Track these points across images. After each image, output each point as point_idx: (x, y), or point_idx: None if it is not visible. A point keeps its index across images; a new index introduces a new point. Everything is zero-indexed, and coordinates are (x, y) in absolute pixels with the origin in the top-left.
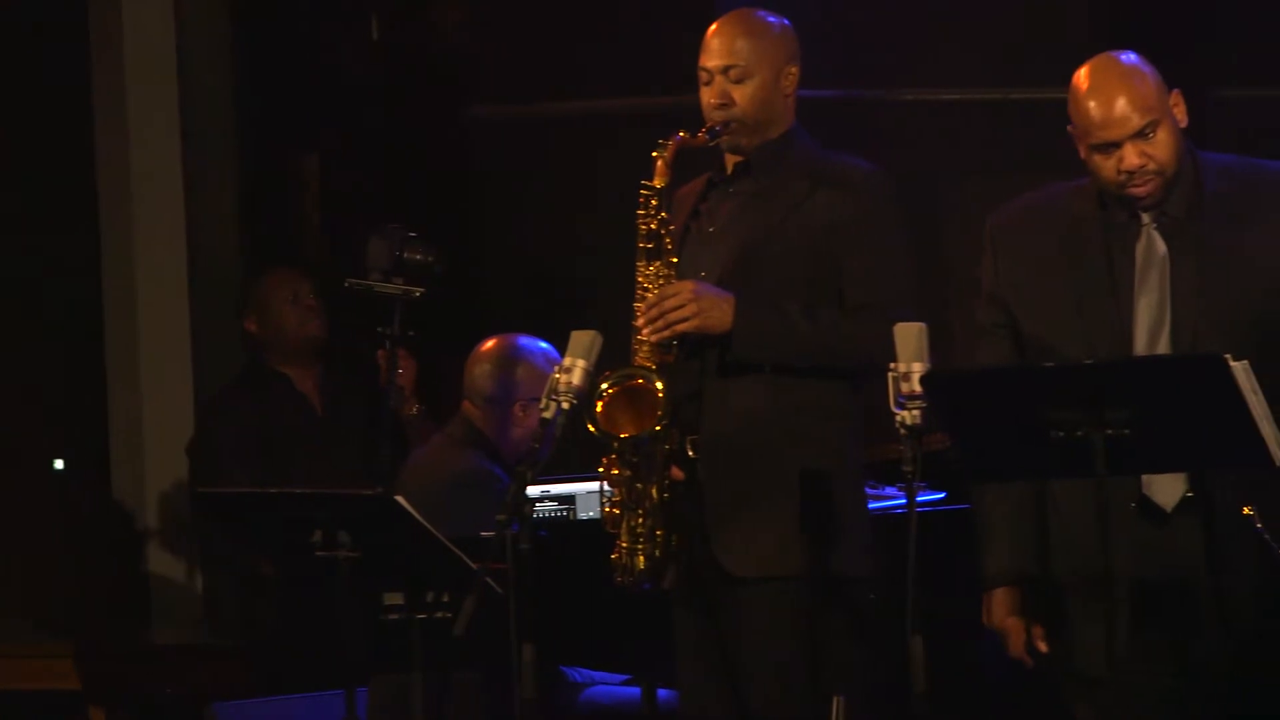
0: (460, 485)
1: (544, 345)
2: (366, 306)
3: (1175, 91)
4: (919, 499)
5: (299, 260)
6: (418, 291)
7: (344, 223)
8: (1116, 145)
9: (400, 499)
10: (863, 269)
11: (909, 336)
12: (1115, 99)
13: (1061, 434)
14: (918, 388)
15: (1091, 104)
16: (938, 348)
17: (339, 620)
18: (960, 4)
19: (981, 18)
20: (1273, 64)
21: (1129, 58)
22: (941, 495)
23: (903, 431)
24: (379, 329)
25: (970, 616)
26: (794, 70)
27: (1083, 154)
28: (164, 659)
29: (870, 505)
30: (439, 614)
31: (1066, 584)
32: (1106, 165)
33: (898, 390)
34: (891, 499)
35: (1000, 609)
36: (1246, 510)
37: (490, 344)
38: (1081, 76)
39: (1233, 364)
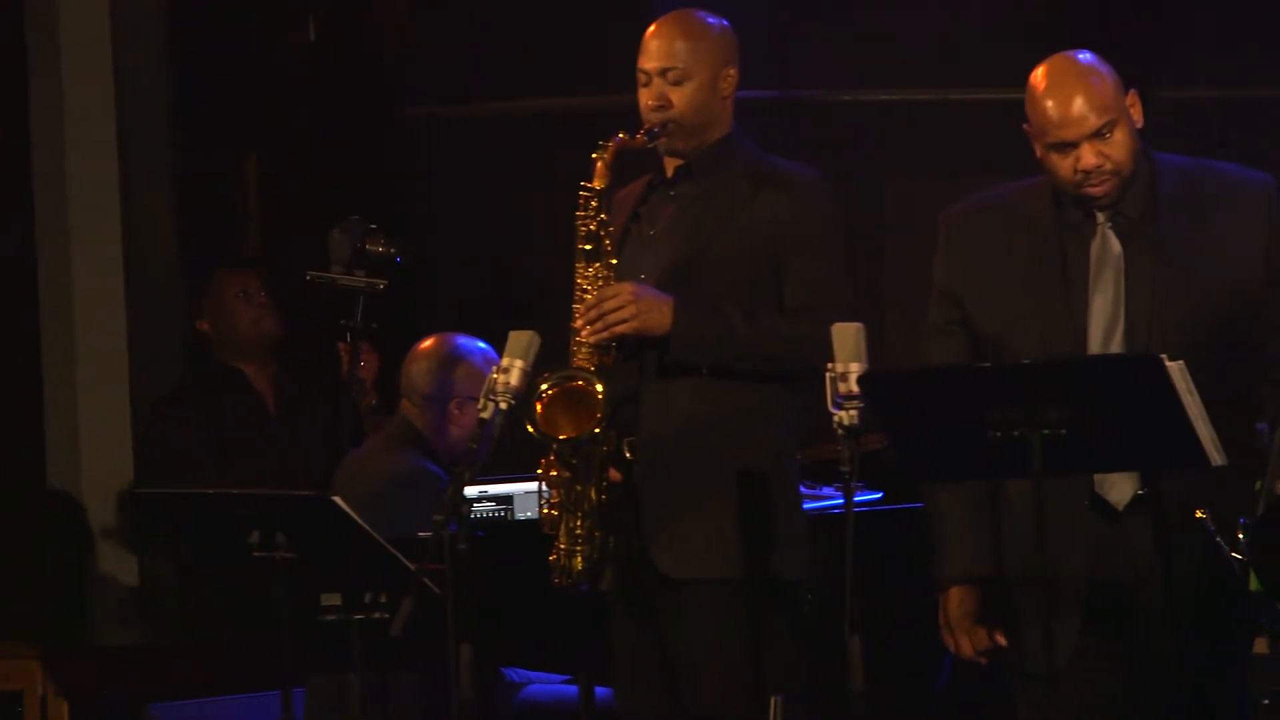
0: (399, 485)
1: (482, 345)
2: (312, 303)
3: (1132, 91)
4: (856, 499)
5: (237, 260)
6: (381, 284)
7: (282, 223)
8: (1073, 145)
9: (338, 500)
10: (803, 273)
11: (846, 337)
12: (1073, 98)
13: (999, 434)
14: (855, 388)
15: (1049, 103)
16: (875, 348)
17: (276, 621)
18: (904, 4)
19: (925, 18)
20: (1212, 66)
21: (1086, 57)
22: (879, 495)
23: (840, 431)
24: (341, 321)
25: (907, 616)
26: (732, 72)
27: (1039, 153)
28: (100, 659)
29: (807, 505)
30: (376, 615)
31: (1018, 583)
32: (1063, 165)
33: (835, 390)
34: (829, 499)
35: (956, 609)
36: (1200, 514)
37: (428, 343)
38: (1039, 76)
39: (1169, 364)
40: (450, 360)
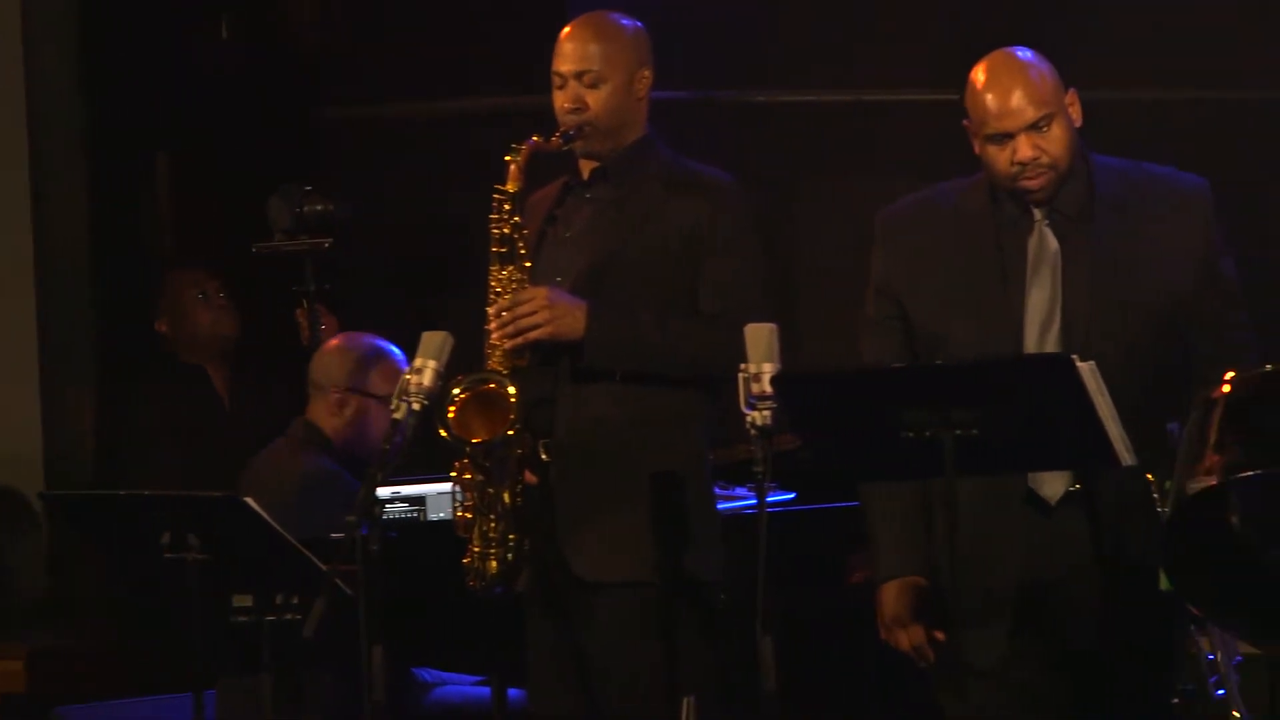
0: (306, 486)
1: (387, 345)
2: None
3: (1071, 91)
4: (770, 499)
5: (151, 258)
6: (326, 243)
7: (195, 222)
8: (1010, 136)
9: (249, 500)
10: (717, 278)
11: (760, 337)
12: (1012, 91)
13: (911, 435)
14: (768, 388)
15: (989, 96)
16: (788, 349)
17: (187, 623)
18: (815, 6)
19: (837, 19)
20: (1100, 68)
21: (1026, 53)
22: (792, 495)
23: (753, 432)
24: (294, 288)
25: (821, 617)
26: (647, 74)
27: (977, 148)
28: (9, 660)
29: (721, 506)
30: (289, 616)
31: (951, 579)
32: (1000, 157)
33: (748, 391)
34: (742, 499)
35: (894, 604)
36: (1150, 476)
37: (334, 341)
38: (979, 71)
39: (1080, 364)
40: (353, 359)
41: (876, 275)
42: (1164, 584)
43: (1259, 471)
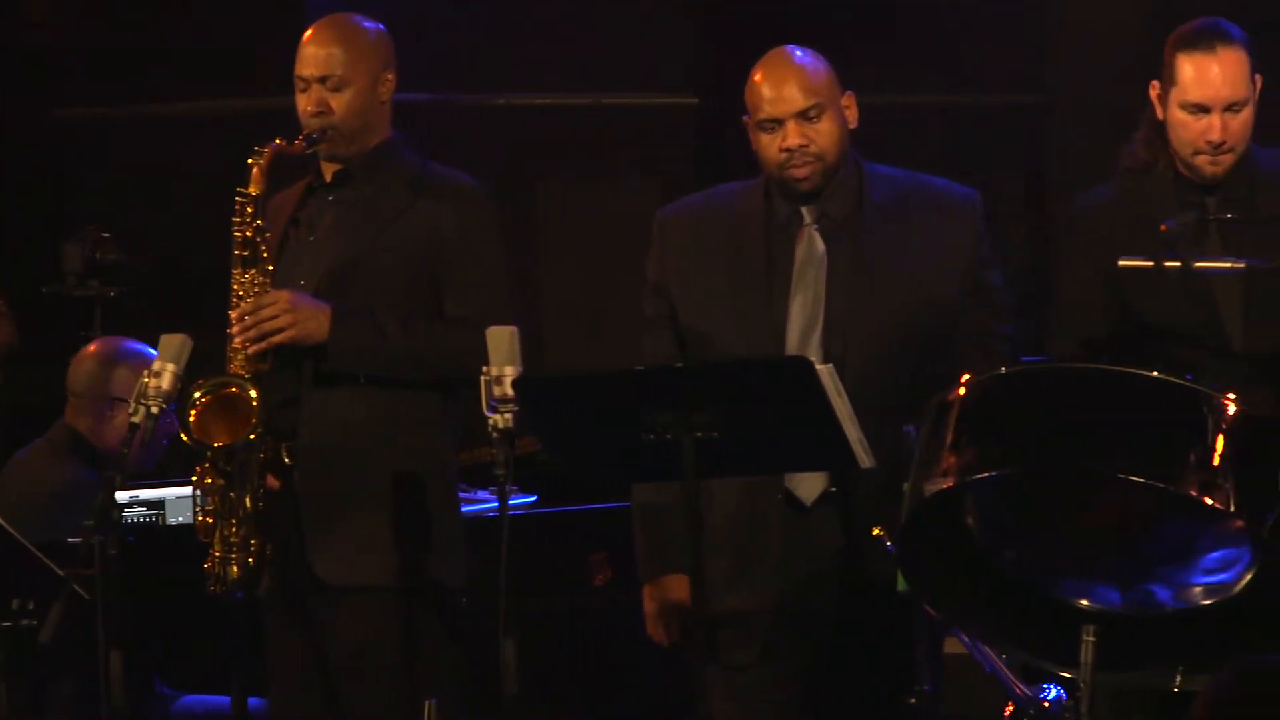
0: (57, 498)
1: (148, 350)
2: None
3: (849, 94)
4: (511, 502)
5: None
6: (112, 291)
7: None
8: (780, 123)
9: None
10: (461, 282)
11: (501, 340)
12: (786, 79)
13: (652, 437)
14: (510, 391)
15: (763, 86)
16: (531, 351)
17: None
18: (555, 9)
19: (579, 22)
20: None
21: (805, 51)
22: (533, 498)
23: (495, 435)
24: (81, 333)
25: (563, 619)
26: (390, 76)
27: (753, 142)
28: None
29: (463, 509)
30: (25, 621)
31: (716, 573)
32: (771, 145)
33: (490, 393)
34: (484, 502)
35: (665, 597)
36: (876, 531)
37: (93, 346)
38: (758, 64)
39: (818, 366)
40: (109, 362)
41: (652, 275)
42: (900, 585)
43: (994, 473)
